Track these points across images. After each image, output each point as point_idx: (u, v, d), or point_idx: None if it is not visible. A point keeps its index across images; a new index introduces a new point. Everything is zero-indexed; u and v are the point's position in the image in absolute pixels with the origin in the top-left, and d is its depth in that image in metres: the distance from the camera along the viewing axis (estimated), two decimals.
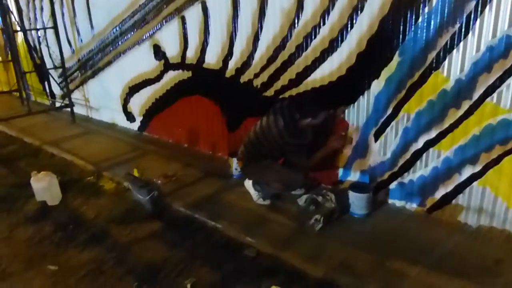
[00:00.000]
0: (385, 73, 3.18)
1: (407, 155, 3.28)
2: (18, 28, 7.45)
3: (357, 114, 3.46)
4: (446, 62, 2.87)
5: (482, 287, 2.44)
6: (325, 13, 3.36)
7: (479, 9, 2.64)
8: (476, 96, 2.81)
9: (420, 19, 2.90)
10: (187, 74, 4.86)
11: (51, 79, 7.47)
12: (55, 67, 7.22)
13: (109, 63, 6.05)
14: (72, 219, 3.63)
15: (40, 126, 6.72)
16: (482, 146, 2.88)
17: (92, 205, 3.86)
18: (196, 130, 5.04)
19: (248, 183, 3.64)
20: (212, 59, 4.47)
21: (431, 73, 2.96)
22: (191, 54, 4.69)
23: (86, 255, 3.09)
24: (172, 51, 4.92)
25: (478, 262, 2.68)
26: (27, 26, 7.65)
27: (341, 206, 3.35)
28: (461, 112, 2.91)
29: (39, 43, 7.66)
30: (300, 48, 3.63)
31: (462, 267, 2.63)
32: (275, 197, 3.63)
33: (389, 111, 3.26)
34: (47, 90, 8.06)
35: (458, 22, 2.75)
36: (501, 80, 2.67)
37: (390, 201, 3.50)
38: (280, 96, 3.92)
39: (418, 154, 3.22)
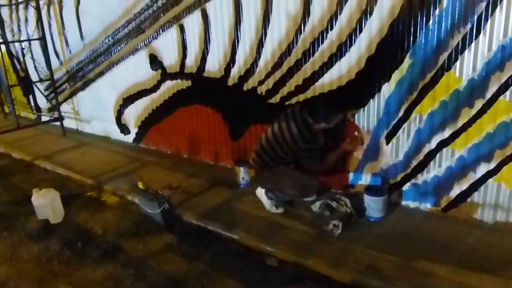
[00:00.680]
0: (396, 76, 3.21)
1: (420, 156, 3.30)
2: (1, 40, 7.22)
3: (367, 117, 3.47)
4: (458, 62, 2.92)
5: (510, 282, 2.46)
6: (333, 17, 3.38)
7: (490, 9, 2.70)
8: (489, 94, 2.86)
9: (431, 21, 2.94)
10: (186, 83, 4.79)
11: (36, 92, 7.25)
12: (41, 80, 7.01)
13: (101, 74, 5.92)
14: (79, 236, 3.49)
15: (29, 140, 6.49)
16: (496, 143, 2.93)
17: (98, 221, 3.74)
18: (197, 139, 4.96)
19: (260, 191, 3.59)
20: (213, 67, 4.43)
21: (443, 74, 3.00)
22: (191, 63, 4.63)
23: (101, 272, 2.97)
24: (169, 60, 4.85)
25: (501, 256, 2.72)
26: (9, 38, 7.41)
27: (357, 210, 3.34)
28: (474, 111, 2.95)
29: (23, 55, 7.44)
30: (307, 54, 3.63)
31: (487, 263, 2.66)
32: (288, 204, 3.60)
33: (401, 113, 3.29)
34: (32, 104, 7.82)
35: (469, 23, 2.80)
36: None
37: (404, 202, 3.51)
38: (287, 103, 3.91)
39: (431, 155, 3.25)
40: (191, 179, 4.42)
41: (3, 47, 7.42)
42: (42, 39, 6.22)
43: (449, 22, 2.87)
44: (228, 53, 4.22)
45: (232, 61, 4.22)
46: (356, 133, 3.52)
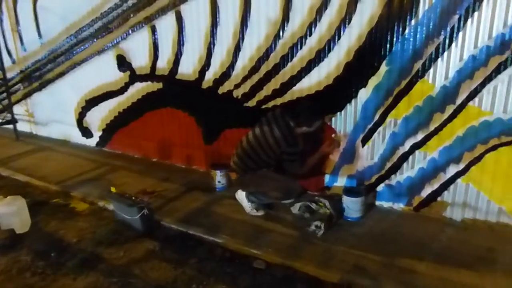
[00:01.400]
0: (373, 82, 3.36)
1: (394, 158, 3.47)
2: None
3: (344, 121, 3.59)
4: (432, 70, 3.12)
5: (485, 274, 2.65)
6: (313, 24, 3.47)
7: (462, 22, 2.91)
8: (459, 101, 3.08)
9: (407, 31, 3.12)
10: (157, 86, 4.69)
11: None
12: None
13: (61, 74, 5.64)
14: (52, 245, 3.29)
15: None
16: (466, 146, 3.15)
17: (70, 229, 3.55)
18: (168, 143, 4.87)
19: (241, 194, 3.60)
20: (187, 70, 4.38)
21: (418, 80, 3.19)
22: (163, 65, 4.54)
23: (81, 282, 2.82)
24: (139, 62, 4.73)
25: (473, 252, 2.91)
26: None
27: (336, 211, 3.44)
28: (446, 115, 3.16)
29: None
30: (286, 59, 3.70)
31: (462, 259, 2.84)
32: (268, 207, 3.64)
33: (377, 117, 3.44)
34: None
35: (443, 34, 3.00)
36: (482, 85, 2.97)
37: (378, 202, 3.67)
38: (263, 106, 3.95)
39: (405, 157, 3.43)
40: (165, 184, 4.33)
41: None
42: None
43: (424, 32, 3.06)
44: (204, 56, 4.19)
45: (207, 64, 4.20)
46: (333, 136, 3.64)
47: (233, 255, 3.08)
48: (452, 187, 3.31)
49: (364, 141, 3.56)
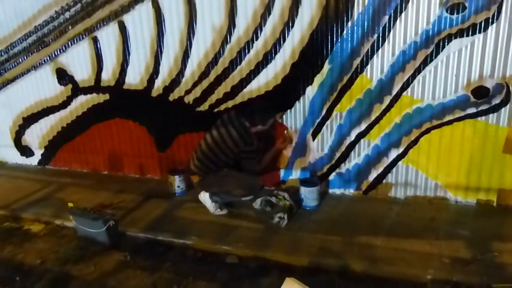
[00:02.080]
0: (318, 79, 3.65)
1: (342, 148, 3.80)
2: None
3: (294, 117, 3.85)
4: (369, 66, 3.47)
5: (431, 240, 3.03)
6: (258, 29, 3.68)
7: (392, 21, 3.29)
8: (395, 91, 3.47)
9: (344, 31, 3.44)
10: (103, 97, 4.62)
11: None
12: None
13: None
14: (13, 270, 3.15)
15: None
16: (403, 131, 3.55)
17: (29, 251, 3.41)
18: (119, 154, 4.81)
19: (204, 196, 3.70)
20: (134, 79, 4.37)
21: (358, 76, 3.53)
22: (107, 76, 4.49)
23: None
24: (82, 74, 4.62)
25: (418, 223, 3.31)
26: None
27: (295, 201, 3.68)
28: (384, 105, 3.54)
29: None
30: (234, 62, 3.87)
31: (410, 230, 3.22)
32: (229, 206, 3.78)
33: (324, 112, 3.74)
34: None
35: (376, 33, 3.36)
36: (413, 76, 3.38)
37: (331, 190, 3.98)
38: (216, 110, 4.09)
39: (351, 146, 3.77)
40: (122, 195, 4.29)
41: None
42: None
43: (359, 32, 3.40)
44: (151, 64, 4.22)
45: (155, 72, 4.24)
46: (285, 132, 3.88)
47: (205, 254, 3.19)
48: (394, 169, 3.70)
49: (314, 135, 3.85)
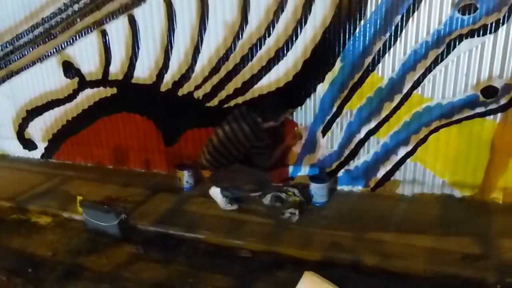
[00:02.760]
0: (329, 77, 3.69)
1: (352, 145, 3.84)
2: None
3: (305, 114, 3.88)
4: (380, 64, 3.52)
5: (441, 237, 3.09)
6: (270, 25, 3.70)
7: (404, 21, 3.34)
8: (405, 90, 3.52)
9: (357, 30, 3.48)
10: (110, 91, 4.60)
11: None
12: None
13: None
14: (24, 261, 3.15)
15: None
16: (412, 130, 3.61)
17: (40, 243, 3.41)
18: (125, 149, 4.80)
19: (214, 191, 3.72)
20: (143, 74, 4.37)
21: (369, 74, 3.57)
22: (116, 69, 4.48)
23: None
24: (89, 67, 4.60)
25: (426, 219, 3.37)
26: None
27: (305, 197, 3.72)
28: (394, 104, 3.59)
29: None
30: (246, 59, 3.89)
31: (418, 226, 3.28)
32: (239, 201, 3.80)
33: (334, 109, 3.78)
34: None
35: (388, 32, 3.41)
36: (423, 75, 3.43)
37: (339, 187, 4.02)
38: (225, 106, 4.10)
39: (361, 143, 3.81)
40: (128, 189, 4.29)
41: None
42: None
43: (372, 31, 3.44)
44: (161, 59, 4.22)
45: (165, 67, 4.24)
46: (295, 129, 3.91)
47: (218, 248, 3.22)
48: (402, 167, 3.75)
49: (324, 132, 3.88)
